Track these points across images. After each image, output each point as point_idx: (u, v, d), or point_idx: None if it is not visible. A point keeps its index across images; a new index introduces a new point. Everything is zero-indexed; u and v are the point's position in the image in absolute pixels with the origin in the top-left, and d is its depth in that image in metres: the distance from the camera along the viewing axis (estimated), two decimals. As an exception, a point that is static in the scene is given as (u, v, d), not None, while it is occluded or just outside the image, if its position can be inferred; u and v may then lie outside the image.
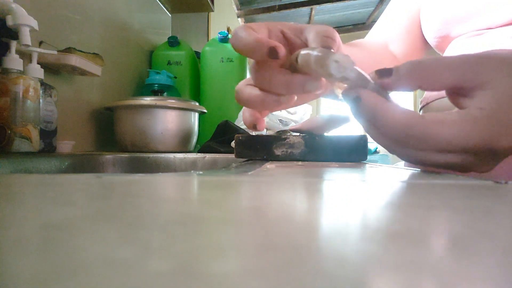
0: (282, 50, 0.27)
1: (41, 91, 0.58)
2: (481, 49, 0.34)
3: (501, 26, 0.39)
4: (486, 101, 0.23)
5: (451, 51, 0.47)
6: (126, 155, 0.69)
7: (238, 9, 3.38)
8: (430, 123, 0.23)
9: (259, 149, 0.44)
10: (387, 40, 0.57)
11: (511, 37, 0.38)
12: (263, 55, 0.27)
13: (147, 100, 0.83)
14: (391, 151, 0.27)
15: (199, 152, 0.84)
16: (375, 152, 3.68)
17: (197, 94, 1.28)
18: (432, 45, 0.53)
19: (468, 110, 0.24)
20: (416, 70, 0.24)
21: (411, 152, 0.26)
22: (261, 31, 0.31)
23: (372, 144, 3.64)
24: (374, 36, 0.60)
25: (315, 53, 0.27)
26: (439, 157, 0.25)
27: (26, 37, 0.52)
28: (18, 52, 0.55)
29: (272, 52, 0.27)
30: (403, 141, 0.25)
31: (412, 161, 0.27)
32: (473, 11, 0.41)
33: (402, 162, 0.55)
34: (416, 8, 0.54)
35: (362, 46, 0.54)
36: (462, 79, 0.24)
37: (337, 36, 0.31)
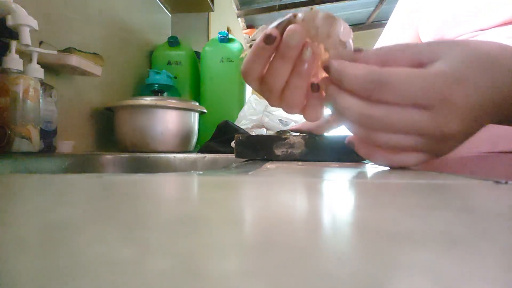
0: (272, 31, 0.29)
1: (41, 91, 0.58)
2: None
3: (494, 27, 0.40)
4: (441, 65, 0.24)
5: None
6: (126, 155, 0.69)
7: (238, 9, 3.38)
8: (387, 70, 0.25)
9: (259, 149, 0.44)
10: None
11: (507, 37, 0.39)
12: (265, 47, 0.29)
13: (147, 100, 0.83)
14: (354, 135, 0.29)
15: (199, 152, 0.84)
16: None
17: (197, 94, 1.28)
18: None
19: (426, 69, 0.25)
20: (381, 50, 0.27)
21: (370, 134, 0.27)
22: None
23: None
24: None
25: (323, 12, 0.28)
26: (396, 138, 0.26)
27: (26, 37, 0.52)
28: (18, 52, 0.55)
29: (267, 38, 0.28)
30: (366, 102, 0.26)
31: (370, 152, 0.29)
32: (468, 13, 0.42)
33: None
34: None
35: None
36: (419, 57, 0.25)
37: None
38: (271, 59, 0.30)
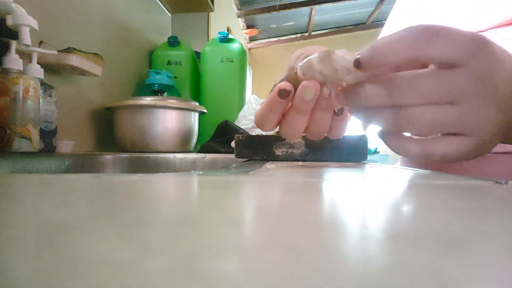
0: (287, 85, 0.28)
1: (41, 91, 0.58)
2: None
3: (492, 28, 0.40)
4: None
5: None
6: (126, 155, 0.69)
7: (238, 9, 3.38)
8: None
9: (259, 149, 0.44)
10: None
11: (500, 40, 0.38)
12: (281, 101, 0.29)
13: (147, 100, 0.83)
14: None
15: (199, 152, 0.84)
16: (375, 152, 3.68)
17: (197, 94, 1.28)
18: None
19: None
20: (374, 52, 0.24)
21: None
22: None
23: (372, 144, 3.64)
24: None
25: (315, 55, 0.27)
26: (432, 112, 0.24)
27: (26, 37, 0.52)
28: (18, 52, 0.55)
29: (282, 93, 0.28)
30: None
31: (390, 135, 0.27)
32: (464, 15, 0.42)
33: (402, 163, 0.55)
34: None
35: None
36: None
37: None
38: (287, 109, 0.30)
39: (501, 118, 0.24)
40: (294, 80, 0.29)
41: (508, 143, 0.27)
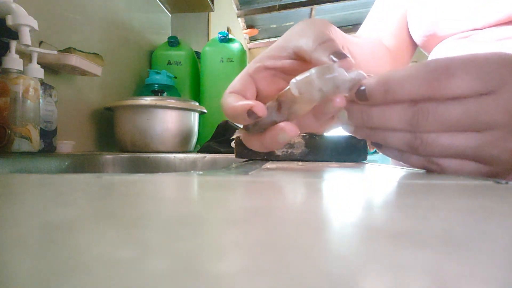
0: (259, 110, 0.25)
1: (41, 91, 0.58)
2: (467, 51, 0.34)
3: (488, 27, 0.39)
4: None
5: (437, 53, 0.48)
6: (126, 155, 0.69)
7: (238, 9, 3.38)
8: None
9: (259, 149, 0.44)
10: (379, 36, 0.56)
11: (497, 39, 0.38)
12: (246, 119, 0.26)
13: (147, 100, 0.83)
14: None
15: (199, 152, 0.84)
16: (375, 152, 3.68)
17: (197, 94, 1.28)
18: (418, 44, 0.53)
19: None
20: (384, 89, 0.22)
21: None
22: (245, 86, 0.29)
23: (372, 144, 3.62)
24: (366, 32, 0.59)
25: (313, 71, 0.24)
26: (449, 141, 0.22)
27: (26, 37, 0.52)
28: (18, 52, 0.55)
29: (250, 114, 0.25)
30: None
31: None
32: (461, 12, 0.41)
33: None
34: (404, 8, 0.54)
35: (361, 39, 0.53)
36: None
37: (332, 31, 0.28)
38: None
39: None
40: (286, 97, 0.26)
41: None
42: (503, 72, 0.20)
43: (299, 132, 0.26)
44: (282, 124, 0.25)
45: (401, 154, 0.26)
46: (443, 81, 0.20)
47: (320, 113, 0.27)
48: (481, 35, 0.40)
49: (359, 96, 0.23)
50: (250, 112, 0.25)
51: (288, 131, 0.25)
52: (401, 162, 0.32)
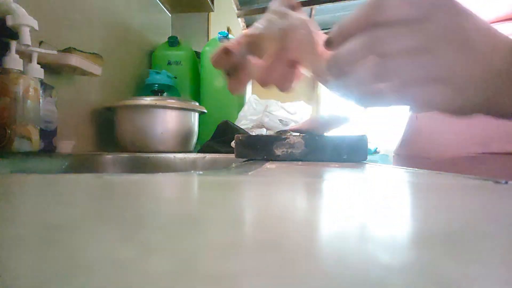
0: (232, 46, 0.32)
1: (41, 91, 0.58)
2: None
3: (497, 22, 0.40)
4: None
5: None
6: (126, 155, 0.69)
7: (238, 9, 3.38)
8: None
9: (259, 149, 0.44)
10: None
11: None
12: (224, 58, 0.33)
13: (147, 100, 0.83)
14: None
15: (199, 152, 0.84)
16: (375, 152, 3.68)
17: (197, 94, 1.28)
18: None
19: None
20: (339, 29, 0.26)
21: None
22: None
23: (372, 144, 3.64)
24: None
25: (270, 14, 0.33)
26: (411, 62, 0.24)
27: (26, 37, 0.52)
28: (18, 52, 0.55)
29: (227, 52, 0.32)
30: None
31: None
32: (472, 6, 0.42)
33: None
34: None
35: None
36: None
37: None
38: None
39: (480, 70, 0.24)
40: (253, 37, 0.33)
41: (495, 116, 0.27)
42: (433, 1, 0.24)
43: (266, 66, 0.32)
44: (251, 59, 0.31)
45: (374, 95, 0.27)
46: (380, 9, 0.24)
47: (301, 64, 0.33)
48: None
49: (326, 43, 0.27)
50: (226, 50, 0.32)
51: (257, 64, 0.31)
52: (401, 162, 0.33)
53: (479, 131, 0.40)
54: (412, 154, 0.51)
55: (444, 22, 0.23)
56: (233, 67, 0.33)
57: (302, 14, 0.31)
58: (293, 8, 0.31)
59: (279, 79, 0.33)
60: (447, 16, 0.23)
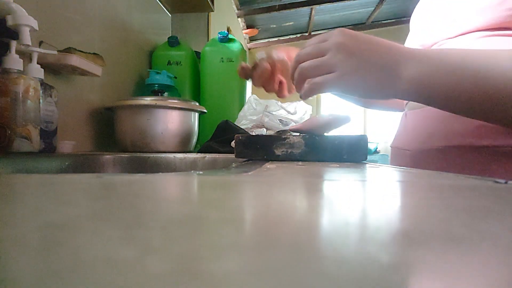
0: (242, 65, 0.54)
1: (41, 91, 0.58)
2: None
3: (459, 36, 0.48)
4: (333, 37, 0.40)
5: None
6: (126, 155, 0.69)
7: (238, 9, 3.38)
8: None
9: (259, 149, 0.44)
10: None
11: (466, 46, 0.46)
12: (240, 70, 0.55)
13: (147, 100, 0.83)
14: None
15: (199, 152, 0.84)
16: (375, 152, 3.69)
17: (197, 94, 1.28)
18: None
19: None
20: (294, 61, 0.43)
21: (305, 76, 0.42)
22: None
23: (372, 144, 3.64)
24: None
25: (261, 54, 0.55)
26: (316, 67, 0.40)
27: (26, 37, 0.52)
28: (18, 52, 0.55)
29: (241, 68, 0.54)
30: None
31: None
32: (438, 25, 0.52)
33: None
34: None
35: None
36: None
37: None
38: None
39: (355, 59, 0.38)
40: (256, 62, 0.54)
41: (386, 98, 0.39)
42: (326, 35, 0.40)
43: (266, 80, 0.54)
44: (255, 74, 0.53)
45: (302, 89, 0.42)
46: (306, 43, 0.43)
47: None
48: (453, 42, 0.49)
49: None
50: (240, 67, 0.53)
51: (260, 77, 0.53)
52: (392, 153, 0.54)
53: (444, 128, 0.48)
54: (398, 146, 0.58)
55: (334, 40, 0.39)
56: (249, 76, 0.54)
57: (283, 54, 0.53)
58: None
59: (276, 88, 0.54)
60: (336, 37, 0.39)
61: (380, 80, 0.37)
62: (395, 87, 0.37)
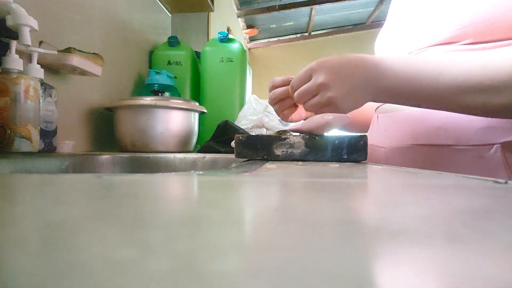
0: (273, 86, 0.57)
1: (41, 91, 0.58)
2: None
3: (431, 46, 0.52)
4: (318, 75, 0.47)
5: None
6: (126, 155, 0.69)
7: (238, 9, 3.38)
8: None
9: (259, 149, 0.44)
10: None
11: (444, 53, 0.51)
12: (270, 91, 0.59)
13: (147, 100, 0.83)
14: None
15: (199, 152, 0.84)
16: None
17: (197, 94, 1.28)
18: None
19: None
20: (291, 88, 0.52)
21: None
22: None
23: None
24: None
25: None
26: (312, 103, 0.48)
27: (26, 37, 0.52)
28: (18, 52, 0.55)
29: (272, 87, 0.57)
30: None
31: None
32: (411, 36, 0.57)
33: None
34: None
35: None
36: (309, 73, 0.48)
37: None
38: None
39: (337, 85, 0.45)
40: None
41: (374, 100, 0.48)
42: (313, 66, 0.47)
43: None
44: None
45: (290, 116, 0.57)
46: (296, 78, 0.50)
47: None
48: (426, 52, 0.54)
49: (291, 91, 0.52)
50: (271, 86, 0.56)
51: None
52: (375, 158, 0.61)
53: (411, 129, 0.55)
54: (374, 144, 0.65)
55: (327, 68, 0.46)
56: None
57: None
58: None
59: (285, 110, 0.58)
60: (328, 68, 0.46)
61: (361, 97, 0.46)
62: (372, 98, 0.47)
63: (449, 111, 0.46)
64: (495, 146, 0.47)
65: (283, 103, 0.55)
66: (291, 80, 0.52)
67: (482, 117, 0.45)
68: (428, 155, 0.53)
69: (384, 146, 0.61)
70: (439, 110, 0.46)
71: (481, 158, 0.47)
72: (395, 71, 0.45)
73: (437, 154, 0.51)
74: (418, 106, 0.47)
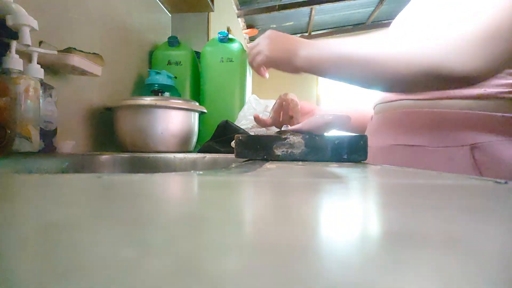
0: (256, 116, 0.73)
1: (41, 91, 0.58)
2: None
3: None
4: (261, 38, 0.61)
5: None
6: (126, 155, 0.69)
7: (238, 9, 3.38)
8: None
9: (259, 149, 0.44)
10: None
11: None
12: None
13: (147, 100, 0.83)
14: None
15: (199, 152, 0.84)
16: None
17: (197, 94, 1.28)
18: None
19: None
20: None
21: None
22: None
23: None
24: None
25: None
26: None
27: (26, 37, 0.52)
28: (18, 52, 0.55)
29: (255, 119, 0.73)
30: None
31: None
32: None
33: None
34: None
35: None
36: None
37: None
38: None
39: (272, 45, 0.58)
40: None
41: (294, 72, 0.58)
42: (259, 37, 0.61)
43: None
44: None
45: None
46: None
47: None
48: None
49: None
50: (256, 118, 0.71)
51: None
52: (397, 163, 0.61)
53: (392, 130, 0.60)
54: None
55: (267, 36, 0.59)
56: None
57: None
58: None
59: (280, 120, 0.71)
60: (267, 36, 0.59)
61: (286, 58, 0.57)
62: (295, 63, 0.56)
63: (362, 83, 0.53)
64: (464, 147, 0.50)
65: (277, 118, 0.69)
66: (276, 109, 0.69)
67: (453, 120, 0.51)
68: (405, 155, 0.56)
69: (371, 146, 0.66)
70: (352, 79, 0.53)
71: (452, 159, 0.50)
72: (314, 45, 0.56)
73: (412, 154, 0.55)
74: (336, 77, 0.55)
